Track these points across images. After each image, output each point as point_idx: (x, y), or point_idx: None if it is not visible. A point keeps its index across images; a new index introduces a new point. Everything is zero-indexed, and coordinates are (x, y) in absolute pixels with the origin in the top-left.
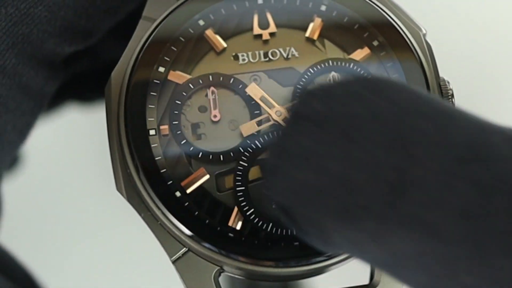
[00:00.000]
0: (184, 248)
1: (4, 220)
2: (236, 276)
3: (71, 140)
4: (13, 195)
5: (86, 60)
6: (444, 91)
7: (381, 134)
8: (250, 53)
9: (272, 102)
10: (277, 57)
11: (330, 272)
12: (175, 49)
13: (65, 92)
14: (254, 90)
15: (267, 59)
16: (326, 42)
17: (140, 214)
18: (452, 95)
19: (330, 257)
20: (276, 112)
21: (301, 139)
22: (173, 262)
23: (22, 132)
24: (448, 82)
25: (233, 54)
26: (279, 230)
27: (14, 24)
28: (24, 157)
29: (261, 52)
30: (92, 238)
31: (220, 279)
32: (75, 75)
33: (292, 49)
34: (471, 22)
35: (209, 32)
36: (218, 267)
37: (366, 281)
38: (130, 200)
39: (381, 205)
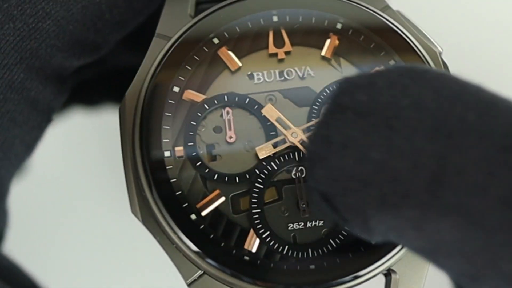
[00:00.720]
0: (200, 271)
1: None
2: None
3: (77, 144)
4: (17, 201)
5: (94, 68)
6: None
7: (423, 123)
8: (265, 72)
9: (288, 123)
10: (292, 77)
11: None
12: (189, 68)
13: (72, 96)
14: (270, 111)
15: (283, 78)
16: (342, 61)
17: (155, 237)
18: None
19: (346, 281)
20: (292, 133)
21: (343, 128)
22: (189, 285)
23: (30, 146)
24: None
25: (248, 73)
26: (295, 252)
27: (22, 39)
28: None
29: (277, 72)
30: (99, 245)
31: None
32: (83, 80)
33: (308, 68)
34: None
35: (223, 51)
36: None
37: None
38: (145, 223)
39: (422, 193)
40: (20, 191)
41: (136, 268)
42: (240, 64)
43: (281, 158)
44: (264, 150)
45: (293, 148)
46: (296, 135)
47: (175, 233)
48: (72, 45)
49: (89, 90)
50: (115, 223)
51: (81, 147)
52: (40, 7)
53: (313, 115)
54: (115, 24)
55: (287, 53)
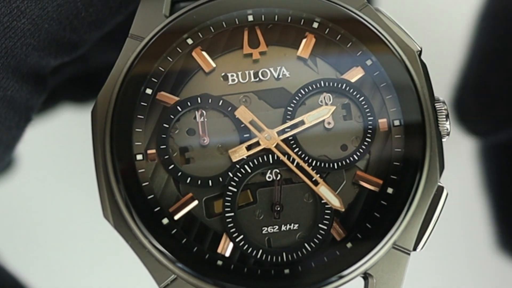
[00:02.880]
0: (173, 276)
1: None
2: None
3: (64, 141)
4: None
5: (77, 65)
6: (439, 112)
7: None
8: (240, 73)
9: (262, 126)
10: (267, 77)
11: None
12: (162, 69)
13: (60, 93)
14: (243, 114)
15: (257, 79)
16: (318, 60)
17: (127, 242)
18: (447, 116)
19: (322, 286)
20: (266, 136)
21: None
22: None
23: (8, 146)
24: (444, 103)
25: (222, 74)
26: (269, 257)
27: None
28: (15, 161)
29: (251, 72)
30: (84, 245)
31: None
32: (65, 78)
33: (283, 68)
34: None
35: (197, 51)
36: None
37: None
38: (117, 227)
39: None
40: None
41: (119, 269)
42: (214, 65)
43: (255, 160)
44: (238, 153)
45: (267, 151)
46: (269, 138)
47: (146, 238)
48: (48, 43)
49: (77, 87)
50: (99, 223)
51: (70, 144)
52: (15, 5)
53: (288, 116)
54: (91, 22)
55: (262, 53)
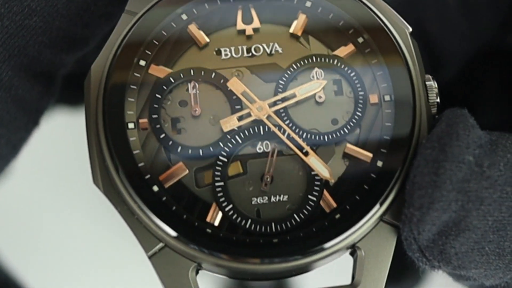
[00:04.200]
0: (161, 244)
1: None
2: (217, 274)
3: (57, 145)
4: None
5: (75, 64)
6: (429, 89)
7: None
8: (233, 48)
9: (254, 97)
10: (260, 53)
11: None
12: (156, 43)
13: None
14: (235, 85)
15: (250, 54)
16: (311, 38)
17: (116, 208)
18: (437, 94)
19: (308, 255)
20: (258, 107)
21: None
22: (150, 257)
23: (15, 147)
24: (434, 80)
25: (216, 49)
26: (258, 227)
27: (10, 37)
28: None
29: (244, 48)
30: (78, 245)
31: (206, 280)
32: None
33: (276, 45)
34: None
35: (192, 27)
36: (196, 264)
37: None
38: (106, 193)
39: None
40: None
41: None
42: (207, 40)
43: (245, 131)
44: (229, 123)
45: (258, 122)
46: (261, 109)
47: (136, 203)
48: (60, 40)
49: (72, 90)
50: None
51: (63, 147)
52: (26, 4)
53: (279, 90)
54: (101, 16)
55: (255, 30)
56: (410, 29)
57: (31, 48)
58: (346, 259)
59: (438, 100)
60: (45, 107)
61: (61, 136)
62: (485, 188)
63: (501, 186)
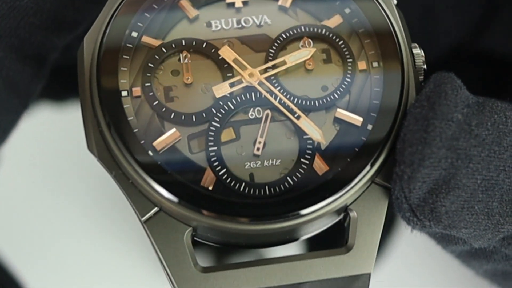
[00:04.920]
0: (156, 208)
1: None
2: (211, 243)
3: (41, 142)
4: None
5: (62, 54)
6: (416, 57)
7: None
8: (223, 20)
9: (245, 64)
10: (250, 24)
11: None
12: (148, 15)
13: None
14: (227, 53)
15: (240, 26)
16: (299, 10)
17: (111, 173)
18: (424, 62)
19: (303, 215)
20: (249, 74)
21: None
22: (144, 222)
23: (5, 130)
24: (420, 48)
25: (206, 21)
26: (252, 190)
27: (1, 17)
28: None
29: (234, 20)
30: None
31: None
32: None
33: (265, 16)
34: None
35: (183, 1)
36: (191, 228)
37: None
38: (101, 158)
39: None
40: None
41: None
42: (198, 12)
43: (237, 98)
44: (221, 89)
45: (250, 89)
46: (252, 76)
47: (131, 166)
48: (51, 22)
49: (55, 85)
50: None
51: (47, 144)
52: None
53: (270, 58)
54: (92, 1)
55: (244, 2)
56: (396, 2)
57: (22, 30)
58: None
59: (425, 66)
60: (35, 90)
61: (47, 132)
62: (473, 146)
63: (488, 145)
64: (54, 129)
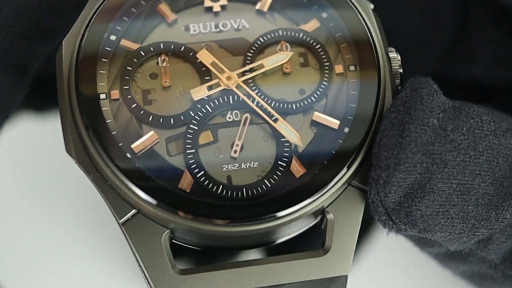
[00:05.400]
0: (134, 210)
1: None
2: (189, 246)
3: (22, 152)
4: None
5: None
6: (392, 60)
7: None
8: (201, 24)
9: (223, 67)
10: (227, 28)
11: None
12: (126, 19)
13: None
14: (204, 56)
15: (218, 30)
16: (276, 15)
17: (89, 175)
18: (400, 66)
19: (281, 217)
20: (227, 77)
21: None
22: (122, 224)
23: None
24: (397, 52)
25: (184, 25)
26: (230, 192)
27: None
28: None
29: (212, 23)
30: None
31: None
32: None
33: (243, 20)
34: None
35: (161, 5)
36: (169, 230)
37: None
38: (79, 161)
39: None
40: None
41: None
42: (176, 16)
43: (215, 101)
44: (199, 92)
45: (227, 92)
46: (230, 79)
47: (109, 168)
48: (32, 31)
49: (37, 95)
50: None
51: (28, 155)
52: None
53: (247, 61)
54: (73, 7)
55: (222, 7)
56: (372, 6)
57: (2, 39)
58: None
59: (401, 70)
60: (16, 100)
61: (28, 142)
62: (449, 151)
63: (464, 150)
64: (35, 139)
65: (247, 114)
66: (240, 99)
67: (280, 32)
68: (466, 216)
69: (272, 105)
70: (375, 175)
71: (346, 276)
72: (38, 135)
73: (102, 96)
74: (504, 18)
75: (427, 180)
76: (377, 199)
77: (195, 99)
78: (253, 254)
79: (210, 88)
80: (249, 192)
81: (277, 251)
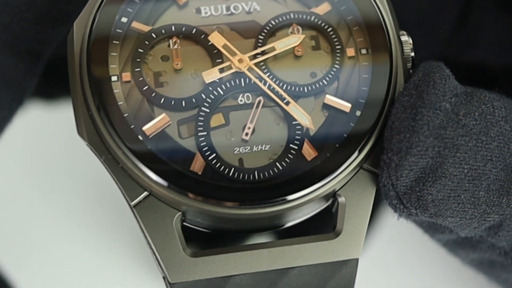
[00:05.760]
0: (145, 192)
1: None
2: (200, 228)
3: (31, 141)
4: None
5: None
6: (404, 44)
7: None
8: (212, 7)
9: (235, 50)
10: (239, 11)
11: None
12: (138, 1)
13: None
14: (216, 38)
15: (229, 12)
16: None
17: (100, 157)
18: (412, 49)
19: (292, 200)
20: (239, 60)
21: None
22: (134, 206)
23: None
24: (409, 36)
25: (196, 7)
26: (241, 175)
27: None
28: None
29: (224, 6)
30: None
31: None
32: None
33: (254, 3)
34: None
35: None
36: (180, 212)
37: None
38: (91, 143)
39: None
40: None
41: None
42: None
43: (227, 83)
44: (210, 75)
45: (239, 74)
46: (242, 61)
47: (121, 150)
48: (44, 16)
49: (47, 83)
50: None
51: (38, 143)
52: None
53: (259, 44)
54: None
55: None
56: None
57: (16, 25)
58: None
59: (413, 54)
60: (29, 86)
61: (39, 130)
62: (461, 135)
63: (476, 135)
64: (46, 126)
65: (261, 97)
66: (252, 82)
67: (292, 15)
68: (477, 201)
69: (284, 88)
70: (386, 159)
71: (357, 259)
72: (50, 123)
73: (114, 78)
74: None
75: (439, 165)
76: (389, 182)
77: (207, 82)
78: (263, 237)
79: (221, 70)
80: (261, 175)
81: (288, 234)
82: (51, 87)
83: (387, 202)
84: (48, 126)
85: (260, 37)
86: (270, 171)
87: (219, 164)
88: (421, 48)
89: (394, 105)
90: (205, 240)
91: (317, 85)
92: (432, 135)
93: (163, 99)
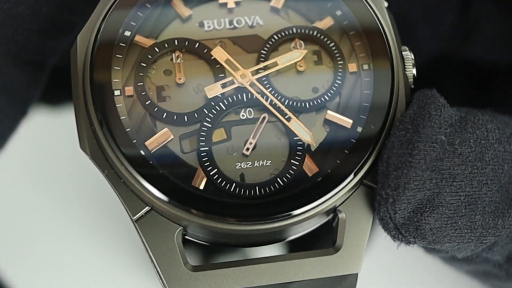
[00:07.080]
0: (147, 207)
1: None
2: (200, 241)
3: (36, 146)
4: None
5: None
6: (406, 60)
7: None
8: (215, 21)
9: (237, 65)
10: (242, 25)
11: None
12: (141, 14)
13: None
14: (219, 53)
15: (232, 26)
16: (290, 12)
17: (103, 172)
18: (414, 65)
19: (293, 216)
20: (241, 75)
21: None
22: (135, 221)
23: (3, 136)
24: (410, 51)
25: (199, 21)
26: (242, 190)
27: None
28: None
29: (226, 20)
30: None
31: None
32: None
33: (257, 17)
34: None
35: (175, 1)
36: (181, 227)
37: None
38: (93, 157)
39: None
40: None
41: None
42: (191, 12)
43: (229, 98)
44: (213, 90)
45: (241, 90)
46: (244, 76)
47: (123, 165)
48: (48, 27)
49: (51, 88)
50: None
51: (42, 148)
52: None
53: (261, 59)
54: (86, 2)
55: (237, 3)
56: (386, 4)
57: (19, 36)
58: None
59: (415, 71)
60: (33, 96)
61: (43, 137)
62: (457, 165)
63: (472, 162)
64: (51, 133)
65: (265, 114)
66: (254, 97)
67: (294, 30)
68: (474, 225)
69: (286, 103)
70: (384, 194)
71: (356, 274)
72: (54, 130)
73: (117, 92)
74: None
75: (436, 195)
76: (387, 216)
77: (209, 97)
78: (263, 251)
79: (224, 85)
80: (262, 190)
81: (288, 248)
82: (56, 93)
83: (386, 232)
84: (52, 132)
85: (262, 51)
86: (271, 187)
87: (220, 179)
88: (424, 42)
89: (390, 139)
90: (204, 252)
91: (319, 100)
92: (429, 169)
93: (165, 114)
